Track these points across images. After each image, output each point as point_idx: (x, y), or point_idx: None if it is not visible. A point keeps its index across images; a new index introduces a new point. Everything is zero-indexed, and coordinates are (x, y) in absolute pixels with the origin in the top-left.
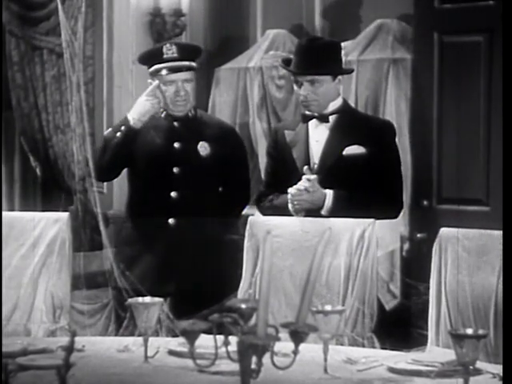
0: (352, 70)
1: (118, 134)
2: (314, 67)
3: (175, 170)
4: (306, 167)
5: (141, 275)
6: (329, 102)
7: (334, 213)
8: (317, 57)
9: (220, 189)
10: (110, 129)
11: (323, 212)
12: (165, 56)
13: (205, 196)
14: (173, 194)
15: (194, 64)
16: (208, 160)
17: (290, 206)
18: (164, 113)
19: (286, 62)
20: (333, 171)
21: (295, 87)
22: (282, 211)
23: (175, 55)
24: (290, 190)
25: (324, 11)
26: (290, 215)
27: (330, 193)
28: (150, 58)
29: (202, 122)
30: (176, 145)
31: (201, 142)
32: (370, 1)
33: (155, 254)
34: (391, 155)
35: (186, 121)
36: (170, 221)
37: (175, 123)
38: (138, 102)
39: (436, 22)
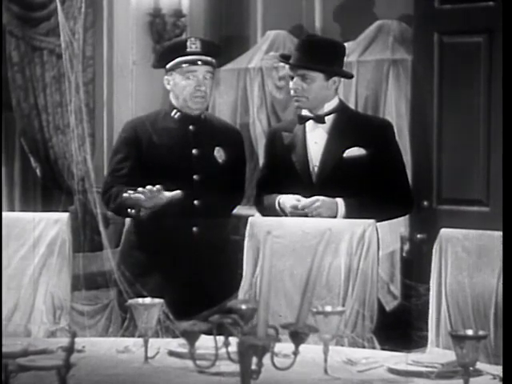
0: (349, 75)
1: (129, 211)
2: (304, 61)
3: (195, 177)
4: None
5: (161, 283)
6: (321, 102)
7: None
8: (310, 52)
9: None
10: (129, 195)
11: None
12: (188, 49)
13: (223, 202)
14: (196, 202)
15: (214, 61)
16: (224, 166)
17: (276, 208)
18: (178, 114)
19: (285, 57)
20: (334, 174)
21: (290, 83)
22: (272, 212)
23: (198, 50)
24: (291, 209)
25: (324, 12)
26: (281, 215)
27: (340, 202)
28: (173, 51)
29: (212, 125)
30: (194, 151)
31: (216, 148)
32: (370, 1)
33: (179, 263)
34: (392, 153)
35: (200, 124)
36: (194, 229)
37: (191, 127)
38: (158, 194)
39: (436, 22)
